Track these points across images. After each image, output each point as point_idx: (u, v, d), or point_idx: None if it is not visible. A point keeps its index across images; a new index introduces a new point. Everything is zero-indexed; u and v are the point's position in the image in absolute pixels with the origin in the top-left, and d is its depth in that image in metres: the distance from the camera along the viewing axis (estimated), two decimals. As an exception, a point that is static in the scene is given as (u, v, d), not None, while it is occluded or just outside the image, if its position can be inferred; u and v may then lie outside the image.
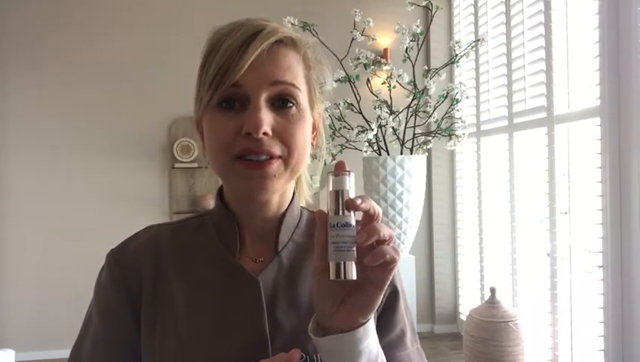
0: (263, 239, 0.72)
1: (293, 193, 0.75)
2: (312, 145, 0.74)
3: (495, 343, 2.64)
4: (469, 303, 3.67)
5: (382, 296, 0.58)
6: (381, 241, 0.55)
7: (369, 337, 0.59)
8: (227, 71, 0.63)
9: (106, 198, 3.69)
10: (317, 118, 0.74)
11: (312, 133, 0.73)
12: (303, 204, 0.79)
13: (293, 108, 0.66)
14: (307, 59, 0.70)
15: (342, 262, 0.54)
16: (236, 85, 0.63)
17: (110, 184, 3.70)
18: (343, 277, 0.54)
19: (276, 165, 0.64)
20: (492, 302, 2.75)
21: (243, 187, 0.66)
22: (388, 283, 0.57)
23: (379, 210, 0.56)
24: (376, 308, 0.59)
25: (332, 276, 0.55)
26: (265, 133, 0.63)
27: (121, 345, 0.70)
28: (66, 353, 0.76)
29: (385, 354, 0.64)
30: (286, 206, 0.73)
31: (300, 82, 0.67)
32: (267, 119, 0.63)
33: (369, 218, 0.55)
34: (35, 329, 3.58)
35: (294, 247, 0.73)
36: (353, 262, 0.55)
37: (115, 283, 0.70)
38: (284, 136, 0.64)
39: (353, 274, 0.55)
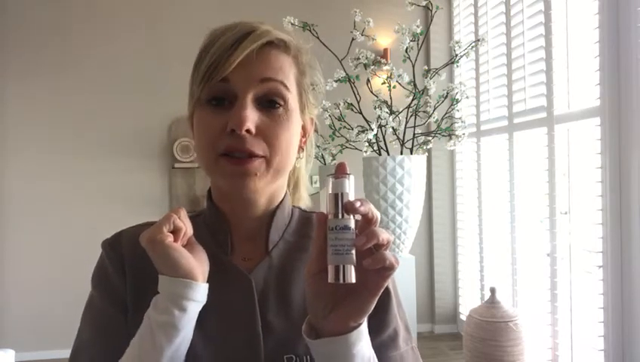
0: (254, 238, 0.72)
1: (285, 193, 0.74)
2: (302, 148, 0.74)
3: (495, 343, 2.64)
4: (469, 303, 3.67)
5: (375, 302, 0.57)
6: (379, 246, 0.54)
7: (362, 340, 0.59)
8: (217, 67, 0.63)
9: (106, 199, 3.68)
10: (308, 122, 0.73)
11: (303, 137, 0.73)
12: (303, 206, 0.79)
13: (281, 109, 0.66)
14: (299, 63, 0.70)
15: (341, 266, 0.54)
16: (225, 80, 0.64)
17: (110, 184, 3.70)
18: (342, 280, 0.54)
19: (257, 163, 0.64)
20: (492, 302, 2.75)
21: (226, 184, 0.66)
22: (382, 289, 0.56)
23: (377, 214, 0.55)
24: (369, 313, 0.58)
25: (331, 279, 0.54)
26: (248, 131, 0.63)
27: (121, 321, 0.67)
28: (66, 353, 0.75)
29: (378, 354, 0.64)
30: (276, 205, 0.72)
31: (291, 83, 0.67)
32: (252, 117, 0.63)
33: (367, 221, 0.55)
34: (35, 329, 3.57)
35: (285, 247, 0.73)
36: (352, 266, 0.54)
37: (113, 264, 0.70)
38: (268, 136, 0.64)
39: (352, 278, 0.54)
